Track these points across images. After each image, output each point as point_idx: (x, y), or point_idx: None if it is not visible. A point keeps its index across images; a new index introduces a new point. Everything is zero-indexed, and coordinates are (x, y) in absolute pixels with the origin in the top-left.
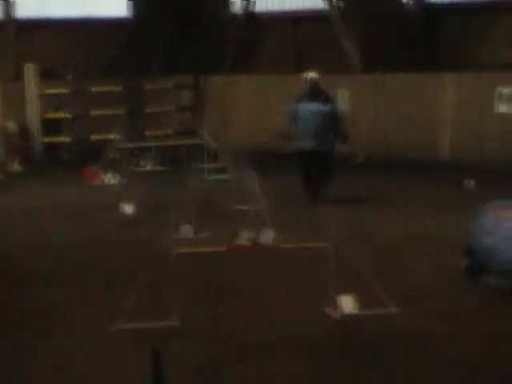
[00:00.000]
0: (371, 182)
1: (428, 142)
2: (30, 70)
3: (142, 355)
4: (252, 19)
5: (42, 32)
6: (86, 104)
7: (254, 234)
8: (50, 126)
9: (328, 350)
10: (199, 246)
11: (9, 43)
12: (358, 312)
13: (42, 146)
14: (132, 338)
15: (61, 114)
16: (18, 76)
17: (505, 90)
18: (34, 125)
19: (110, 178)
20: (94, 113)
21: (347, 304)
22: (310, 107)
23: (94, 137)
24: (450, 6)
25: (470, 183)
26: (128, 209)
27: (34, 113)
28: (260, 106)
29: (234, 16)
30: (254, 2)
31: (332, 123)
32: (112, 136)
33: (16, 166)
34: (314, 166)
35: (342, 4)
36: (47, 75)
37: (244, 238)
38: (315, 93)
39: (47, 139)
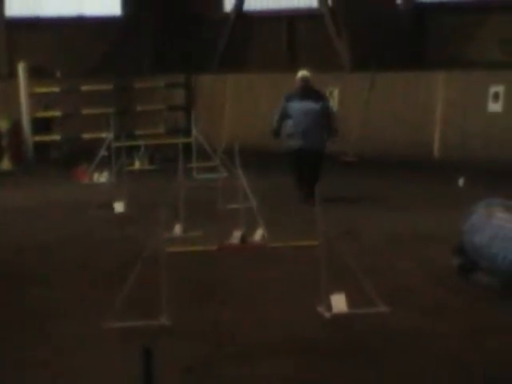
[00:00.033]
0: (362, 180)
1: (419, 141)
2: (22, 69)
3: (131, 354)
4: (243, 17)
5: (33, 30)
6: (76, 102)
7: (243, 233)
8: (41, 125)
9: (320, 349)
10: (190, 244)
11: (1, 41)
12: (348, 311)
13: (32, 144)
14: (122, 336)
15: (51, 113)
16: (11, 74)
17: (496, 89)
18: (25, 123)
19: (100, 177)
20: (84, 111)
21: (338, 303)
22: (301, 106)
23: (85, 135)
24: (439, 5)
25: (461, 181)
26: (118, 207)
27: (24, 111)
28: (250, 105)
29: (225, 14)
30: (245, 0)
31: (324, 121)
32: (102, 135)
33: (6, 165)
34: (306, 166)
35: (333, 2)
36: (37, 73)
37: (236, 237)
38: (306, 91)
39: (37, 138)
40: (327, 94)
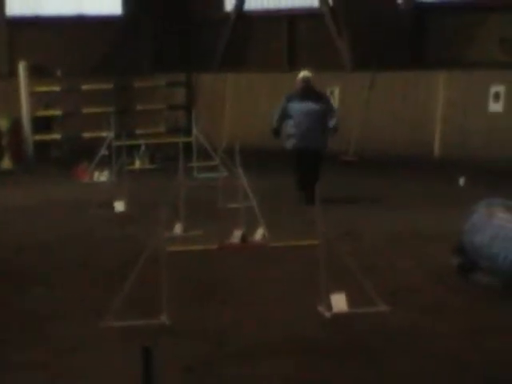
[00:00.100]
0: (362, 179)
1: (419, 140)
2: (23, 68)
3: (132, 353)
4: (243, 17)
5: (33, 29)
6: (76, 101)
7: (244, 232)
8: (41, 124)
9: (320, 348)
10: (190, 244)
11: (1, 40)
12: (349, 310)
13: (32, 143)
14: (122, 336)
15: (51, 112)
16: (12, 73)
17: (496, 89)
18: (25, 122)
19: (101, 176)
20: (85, 110)
21: (338, 302)
22: (301, 106)
23: (85, 134)
24: (440, 5)
25: (461, 181)
26: (119, 206)
27: (24, 110)
28: (251, 104)
29: (226, 14)
30: (245, 0)
31: (324, 122)
32: (103, 134)
33: (6, 164)
34: (306, 166)
35: (333, 2)
36: (38, 72)
37: (237, 237)
38: (307, 92)
39: (38, 137)
40: (328, 94)
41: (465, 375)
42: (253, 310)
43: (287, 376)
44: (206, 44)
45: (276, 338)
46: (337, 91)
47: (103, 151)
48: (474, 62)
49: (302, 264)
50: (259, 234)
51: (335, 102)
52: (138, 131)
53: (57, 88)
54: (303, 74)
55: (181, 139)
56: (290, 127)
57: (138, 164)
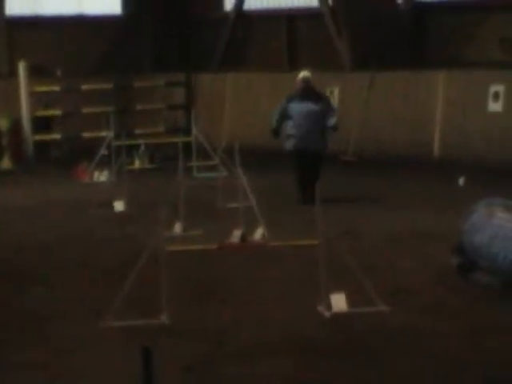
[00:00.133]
0: (361, 179)
1: (419, 140)
2: (23, 67)
3: (131, 353)
4: (243, 17)
5: (33, 29)
6: (76, 101)
7: (243, 232)
8: (41, 124)
9: (319, 348)
10: (190, 243)
11: (1, 40)
12: (348, 310)
13: (32, 143)
14: (122, 336)
15: (51, 112)
16: (12, 73)
17: (496, 88)
18: (25, 122)
19: (100, 176)
20: (84, 110)
21: (338, 302)
22: (301, 107)
23: (85, 134)
24: (439, 5)
25: (461, 181)
26: (118, 206)
27: (24, 110)
28: (250, 104)
29: (225, 13)
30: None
31: (324, 122)
32: (102, 133)
33: (6, 164)
34: (306, 166)
35: (333, 2)
36: (38, 72)
37: (236, 236)
38: (307, 92)
39: (38, 137)
40: (327, 94)
41: (464, 375)
42: (252, 309)
43: (286, 375)
44: (205, 43)
45: (275, 338)
46: (336, 91)
47: (103, 151)
48: (474, 61)
49: (301, 263)
50: (259, 233)
51: (335, 101)
52: (138, 131)
53: (56, 88)
54: (303, 74)
55: (180, 139)
56: (289, 128)
57: (137, 164)
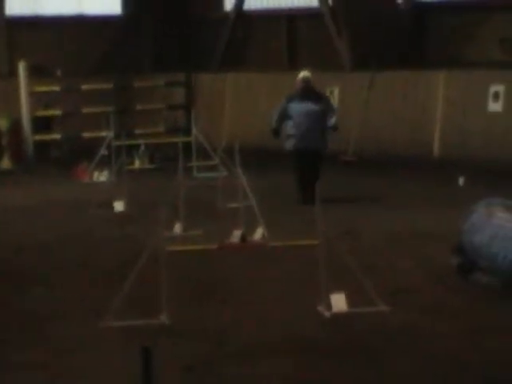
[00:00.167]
0: (361, 179)
1: (418, 140)
2: (23, 67)
3: (131, 353)
4: (243, 17)
5: (33, 29)
6: (76, 101)
7: (243, 232)
8: (41, 124)
9: (319, 348)
10: (190, 243)
11: (1, 40)
12: (348, 310)
13: (32, 143)
14: (122, 336)
15: (51, 112)
16: (12, 73)
17: (496, 88)
18: (25, 122)
19: (100, 176)
20: (84, 110)
21: (338, 302)
22: (301, 107)
23: (85, 134)
24: (439, 5)
25: (461, 180)
26: (118, 206)
27: (24, 110)
28: (250, 104)
29: (225, 14)
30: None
31: (324, 122)
32: (102, 133)
33: (6, 164)
34: (306, 166)
35: (333, 2)
36: (38, 72)
37: (236, 236)
38: (307, 92)
39: (38, 137)
40: (327, 94)
41: (464, 375)
42: (252, 309)
43: (286, 375)
44: (205, 43)
45: (275, 338)
46: (336, 91)
47: (103, 151)
48: (474, 61)
49: (301, 263)
50: (259, 233)
51: (335, 101)
52: (138, 131)
53: (57, 88)
54: (303, 74)
55: (180, 139)
56: (289, 128)
57: (137, 164)
